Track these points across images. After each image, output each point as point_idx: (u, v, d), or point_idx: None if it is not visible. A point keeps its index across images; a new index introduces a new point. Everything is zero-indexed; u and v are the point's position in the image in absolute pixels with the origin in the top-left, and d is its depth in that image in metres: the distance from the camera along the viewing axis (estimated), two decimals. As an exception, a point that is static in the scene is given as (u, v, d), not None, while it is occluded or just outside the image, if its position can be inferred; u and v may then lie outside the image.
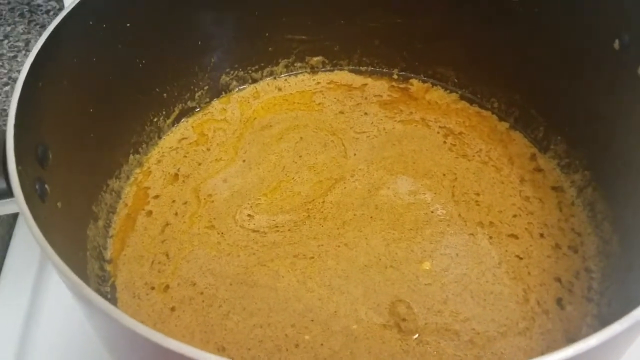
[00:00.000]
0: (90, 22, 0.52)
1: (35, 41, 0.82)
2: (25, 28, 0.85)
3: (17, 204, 0.36)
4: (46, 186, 0.42)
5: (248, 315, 0.50)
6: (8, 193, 0.40)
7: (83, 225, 0.53)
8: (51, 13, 0.87)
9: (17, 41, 0.84)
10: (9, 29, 0.85)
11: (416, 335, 0.49)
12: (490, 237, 0.56)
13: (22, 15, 0.87)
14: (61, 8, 0.87)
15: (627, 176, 0.53)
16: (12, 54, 0.82)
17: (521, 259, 0.54)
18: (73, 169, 0.50)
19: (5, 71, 0.80)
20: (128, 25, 0.56)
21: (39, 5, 0.88)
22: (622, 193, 0.54)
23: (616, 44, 0.52)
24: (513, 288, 0.52)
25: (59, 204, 0.45)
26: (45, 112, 0.46)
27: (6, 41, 0.84)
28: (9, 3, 0.89)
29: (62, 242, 0.37)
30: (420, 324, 0.50)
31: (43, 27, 0.85)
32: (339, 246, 0.55)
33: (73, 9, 0.49)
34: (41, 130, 0.44)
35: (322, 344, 0.49)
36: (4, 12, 0.87)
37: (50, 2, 0.89)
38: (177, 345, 0.29)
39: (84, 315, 0.39)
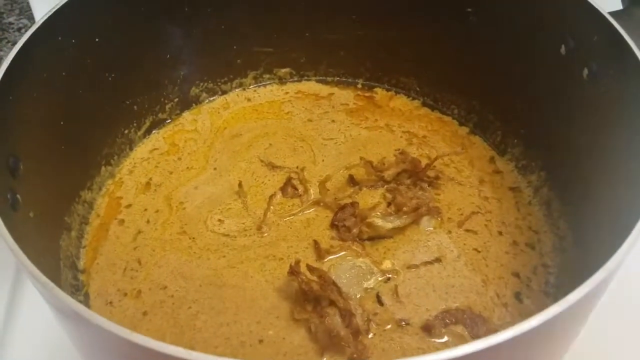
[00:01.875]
0: (59, 38, 0.53)
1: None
2: (-3, 45, 0.87)
3: (-12, 211, 0.37)
4: (18, 196, 0.44)
5: (216, 314, 0.52)
6: (-20, 203, 0.42)
7: (56, 236, 0.54)
8: (22, 30, 0.89)
9: (-12, 58, 0.85)
10: (-20, 46, 0.86)
11: (387, 327, 0.51)
12: (449, 232, 0.58)
13: (-7, 33, 0.89)
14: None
15: (580, 175, 0.56)
16: (-17, 71, 0.83)
17: (479, 252, 0.57)
18: (45, 180, 0.51)
19: (-23, 88, 0.80)
20: (97, 40, 0.58)
21: (10, 23, 0.90)
22: (576, 192, 0.56)
23: (562, 49, 0.55)
24: (472, 279, 0.55)
25: (31, 214, 0.46)
26: (15, 125, 0.47)
27: (-22, 59, 0.85)
28: (-20, 21, 0.90)
29: (35, 252, 0.38)
30: (388, 317, 0.52)
31: (15, 44, 0.86)
32: (307, 247, 0.57)
33: (42, 24, 0.51)
34: (12, 142, 0.46)
35: (284, 338, 0.50)
36: (-25, 30, 0.88)
37: (22, 20, 0.90)
38: (145, 340, 0.31)
39: (58, 322, 0.40)
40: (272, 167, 0.65)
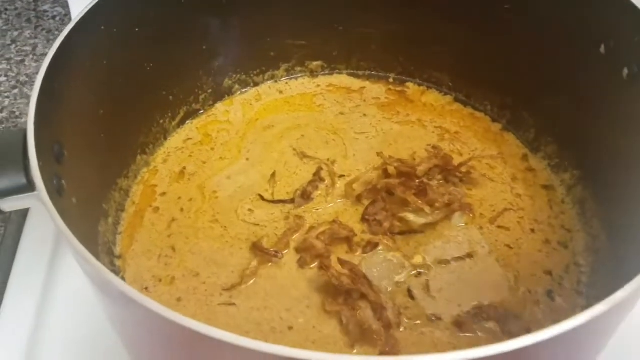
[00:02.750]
0: (102, 27, 0.54)
1: (42, 46, 0.85)
2: (32, 33, 0.88)
3: (40, 196, 0.38)
4: (63, 182, 0.45)
5: (246, 299, 0.53)
6: (28, 188, 0.43)
7: (95, 222, 0.55)
8: (57, 18, 0.90)
9: (24, 46, 0.86)
10: (16, 34, 0.88)
11: (418, 321, 0.51)
12: (481, 228, 0.58)
13: (28, 20, 0.90)
14: (67, 14, 0.89)
15: (615, 175, 0.56)
16: (19, 58, 0.84)
17: (511, 248, 0.57)
18: (85, 167, 0.52)
19: (14, 74, 0.82)
20: (137, 30, 0.58)
21: (45, 11, 0.91)
22: (611, 192, 0.56)
23: (602, 49, 0.55)
24: (504, 275, 0.55)
25: (74, 200, 0.47)
26: (59, 112, 0.48)
27: (14, 46, 0.86)
28: (16, 9, 0.91)
29: (79, 236, 0.39)
30: (419, 311, 0.52)
31: (49, 32, 0.88)
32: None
33: (86, 14, 0.52)
34: (57, 129, 0.47)
35: (314, 327, 0.51)
36: (11, 18, 0.90)
37: (57, 8, 0.91)
38: (185, 321, 0.31)
39: (100, 302, 0.41)
40: (304, 156, 0.65)
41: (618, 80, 0.53)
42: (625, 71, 0.52)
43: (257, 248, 0.57)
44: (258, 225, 0.59)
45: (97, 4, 0.53)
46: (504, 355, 0.31)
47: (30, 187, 0.43)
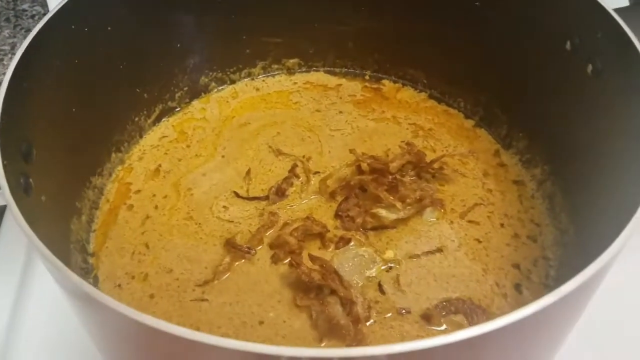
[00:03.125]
0: (73, 26, 0.54)
1: (21, 45, 0.85)
2: (11, 32, 0.88)
3: (3, 195, 0.39)
4: (30, 180, 0.45)
5: (219, 294, 0.53)
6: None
7: (67, 220, 0.55)
8: (36, 17, 0.90)
9: (3, 45, 0.86)
10: (-5, 32, 0.88)
11: (387, 315, 0.52)
12: (451, 223, 0.59)
13: (7, 20, 0.90)
14: (46, 13, 0.89)
15: (583, 169, 0.56)
16: (-2, 57, 0.85)
17: (480, 242, 0.58)
18: (57, 165, 0.52)
19: (-7, 74, 0.82)
20: (109, 28, 0.59)
21: (24, 10, 0.91)
22: (578, 186, 0.57)
23: (568, 45, 0.55)
24: (473, 269, 0.56)
25: (42, 198, 0.47)
26: (29, 111, 0.48)
27: (-8, 44, 0.86)
28: (-5, 8, 0.91)
29: (46, 235, 0.39)
30: (389, 305, 0.53)
31: (28, 31, 0.87)
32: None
33: (56, 13, 0.52)
34: (25, 127, 0.47)
35: (284, 321, 0.52)
36: (-10, 17, 0.90)
37: (35, 7, 0.91)
38: (152, 321, 0.32)
39: (68, 303, 0.42)
40: (279, 153, 0.66)
41: (583, 76, 0.53)
42: (590, 67, 0.53)
43: (230, 244, 0.57)
44: (232, 222, 0.60)
45: (67, 2, 0.53)
46: (461, 342, 0.32)
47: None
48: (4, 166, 0.40)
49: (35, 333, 0.59)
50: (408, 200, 0.59)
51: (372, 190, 0.60)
